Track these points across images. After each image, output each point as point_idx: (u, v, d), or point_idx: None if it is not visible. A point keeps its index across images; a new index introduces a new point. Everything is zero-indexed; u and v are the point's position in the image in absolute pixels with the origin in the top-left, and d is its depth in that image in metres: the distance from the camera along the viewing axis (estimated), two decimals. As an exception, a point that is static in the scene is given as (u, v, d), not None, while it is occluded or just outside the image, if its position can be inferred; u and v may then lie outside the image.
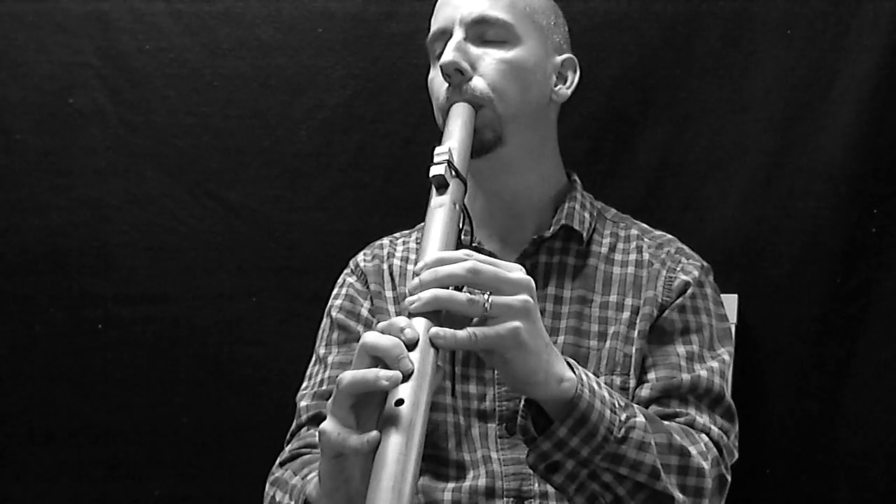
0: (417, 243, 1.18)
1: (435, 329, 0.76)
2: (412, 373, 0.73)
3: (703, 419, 1.00)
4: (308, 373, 1.17)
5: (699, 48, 1.41)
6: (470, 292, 0.81)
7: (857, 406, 1.34)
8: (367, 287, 1.17)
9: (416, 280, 0.80)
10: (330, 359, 1.13)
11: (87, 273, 1.55)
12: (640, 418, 0.90)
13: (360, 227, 1.50)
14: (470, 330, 0.77)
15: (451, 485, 1.04)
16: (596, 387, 0.88)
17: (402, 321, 0.76)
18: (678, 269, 1.09)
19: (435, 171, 0.91)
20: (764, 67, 1.38)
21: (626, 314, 1.06)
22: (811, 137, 1.35)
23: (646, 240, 1.13)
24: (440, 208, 0.89)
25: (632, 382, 1.04)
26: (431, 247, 0.84)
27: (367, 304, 1.16)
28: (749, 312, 1.33)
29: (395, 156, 1.50)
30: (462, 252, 0.81)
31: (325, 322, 1.19)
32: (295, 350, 1.52)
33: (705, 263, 1.12)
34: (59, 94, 1.54)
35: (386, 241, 1.23)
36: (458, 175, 0.93)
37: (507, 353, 0.80)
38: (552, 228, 1.09)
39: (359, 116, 1.51)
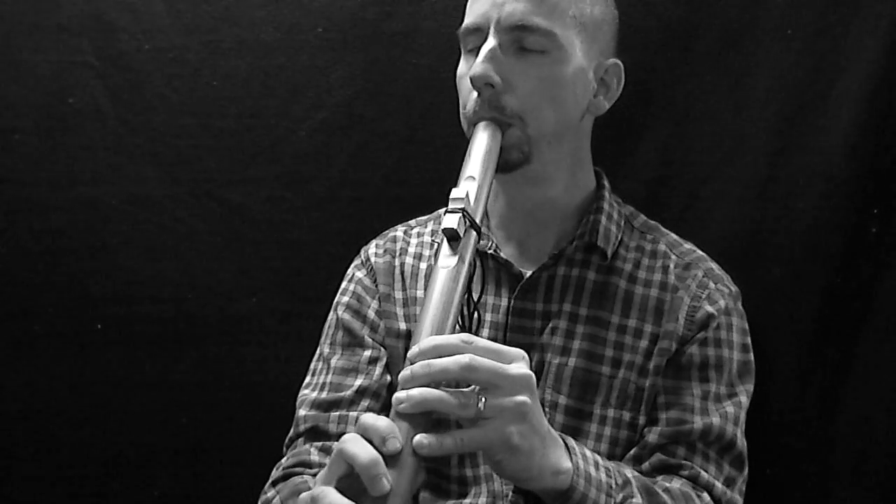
0: (432, 237, 1.15)
1: (418, 438, 0.73)
2: (387, 494, 0.70)
3: (707, 473, 0.97)
4: (311, 368, 1.14)
5: (699, 48, 1.40)
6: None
7: (857, 406, 1.34)
8: (376, 285, 1.13)
9: (409, 371, 0.76)
10: (333, 361, 1.11)
11: (87, 273, 1.55)
12: (637, 499, 0.86)
13: (360, 227, 1.50)
14: (457, 435, 0.75)
15: (451, 502, 1.03)
16: (593, 471, 0.84)
17: (384, 428, 0.72)
18: (704, 297, 1.03)
19: (448, 222, 0.86)
20: (764, 67, 1.37)
21: (643, 343, 1.02)
22: (811, 137, 1.35)
23: (673, 257, 1.07)
24: (445, 270, 0.84)
25: (641, 420, 1.01)
26: (430, 321, 0.80)
27: (374, 305, 1.13)
28: (749, 312, 1.33)
29: (395, 156, 1.50)
30: (460, 339, 0.77)
31: (332, 317, 1.15)
32: (295, 350, 1.52)
33: (734, 288, 1.07)
34: (59, 94, 1.54)
35: (400, 231, 1.18)
36: (472, 225, 0.87)
37: (496, 455, 0.78)
38: (574, 243, 1.04)
39: (359, 116, 1.51)
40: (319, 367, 1.13)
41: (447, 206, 0.88)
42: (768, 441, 1.35)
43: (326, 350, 1.14)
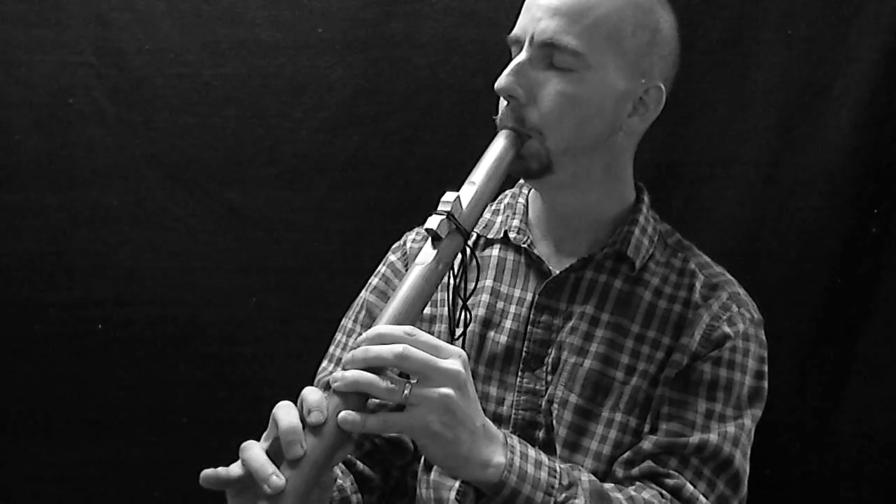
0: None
1: (343, 414, 0.79)
2: (300, 459, 0.77)
3: (693, 488, 0.97)
4: (334, 339, 1.17)
5: (699, 48, 1.41)
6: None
7: (857, 406, 1.34)
8: (407, 270, 1.16)
9: (350, 355, 0.82)
10: (352, 340, 1.13)
11: (87, 273, 1.55)
12: (579, 500, 0.89)
13: (360, 227, 1.50)
14: (382, 417, 0.81)
15: (457, 483, 1.04)
16: (531, 469, 0.88)
17: (312, 401, 0.79)
18: (724, 318, 1.04)
19: (430, 222, 0.90)
20: (764, 67, 1.38)
21: (659, 354, 1.03)
22: (811, 137, 1.35)
23: (701, 276, 1.08)
24: (419, 266, 0.89)
25: (647, 427, 1.02)
26: (389, 314, 0.86)
27: None
28: (749, 312, 1.33)
29: (395, 156, 1.50)
30: (403, 330, 0.82)
31: (361, 295, 1.19)
32: (295, 350, 1.52)
33: (757, 315, 1.07)
34: (59, 94, 1.54)
35: None
36: (458, 228, 0.91)
37: (420, 440, 0.83)
38: (604, 250, 1.06)
39: (359, 116, 1.51)
40: (339, 339, 1.17)
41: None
42: (768, 441, 1.36)
43: (349, 326, 1.17)
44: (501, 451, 0.86)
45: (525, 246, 1.09)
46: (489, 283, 1.10)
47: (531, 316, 1.07)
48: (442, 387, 0.81)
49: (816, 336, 1.35)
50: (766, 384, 1.06)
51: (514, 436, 0.91)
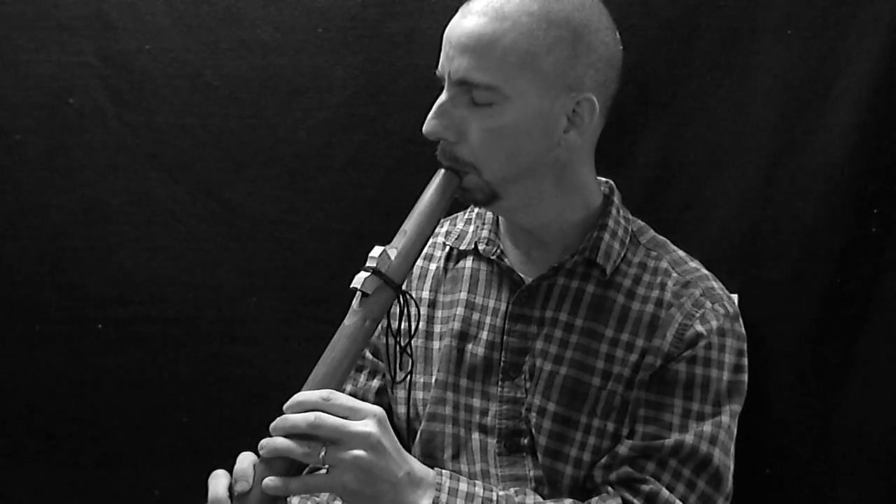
0: (445, 237, 1.17)
1: (266, 480, 0.86)
2: None
3: (672, 492, 0.97)
4: None
5: (699, 48, 1.40)
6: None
7: (857, 406, 1.34)
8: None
9: (273, 424, 0.88)
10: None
11: (87, 273, 1.56)
12: None
13: (360, 227, 1.50)
14: (304, 479, 0.88)
15: None
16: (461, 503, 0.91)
17: (238, 471, 0.88)
18: (697, 315, 1.02)
19: (356, 280, 0.94)
20: (764, 67, 1.37)
21: (633, 356, 1.02)
22: (811, 137, 1.35)
23: (674, 274, 1.06)
24: (346, 326, 0.94)
25: (624, 431, 1.02)
26: (315, 376, 0.92)
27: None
28: (749, 312, 1.33)
29: (395, 156, 1.50)
30: (320, 395, 0.88)
31: None
32: (295, 350, 1.52)
33: (732, 309, 1.06)
34: (59, 94, 1.54)
35: None
36: (388, 282, 0.94)
37: (342, 498, 0.90)
38: (574, 258, 1.05)
39: (359, 116, 1.51)
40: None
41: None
42: (768, 441, 1.36)
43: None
44: (427, 494, 0.90)
45: (495, 258, 1.09)
46: (464, 295, 1.10)
47: (506, 325, 1.07)
48: (353, 449, 0.85)
49: (816, 336, 1.35)
50: (745, 377, 1.05)
51: (445, 473, 0.93)
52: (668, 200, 1.42)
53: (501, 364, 1.06)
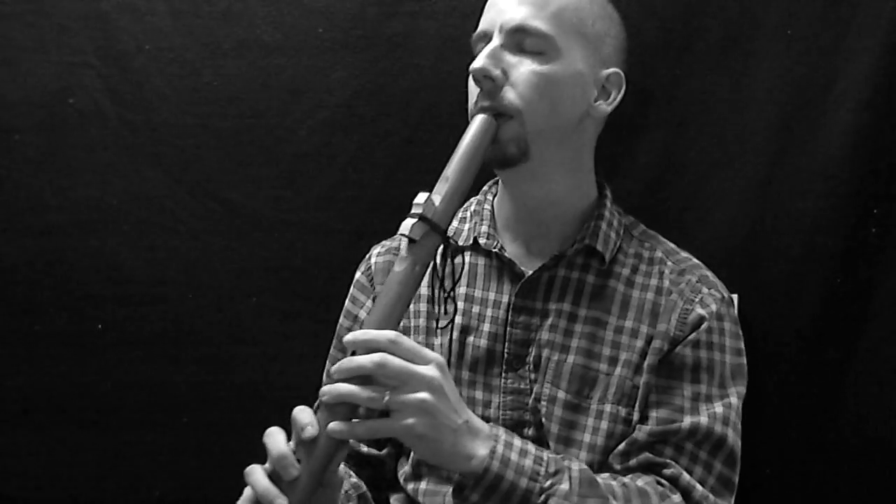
0: None
1: (332, 425, 0.85)
2: (296, 479, 0.85)
3: (690, 477, 0.99)
4: (326, 371, 1.20)
5: (699, 48, 1.40)
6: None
7: (857, 406, 1.34)
8: (373, 285, 1.17)
9: (336, 367, 0.88)
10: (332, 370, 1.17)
11: (87, 273, 1.55)
12: (565, 485, 0.91)
13: (360, 227, 1.50)
14: (368, 424, 0.87)
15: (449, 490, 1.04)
16: (515, 457, 0.91)
17: (301, 419, 0.86)
18: (696, 300, 1.06)
19: (403, 227, 0.94)
20: (764, 67, 1.37)
21: (639, 342, 1.05)
22: (811, 137, 1.35)
23: (669, 263, 1.11)
24: (395, 273, 0.93)
25: (636, 416, 1.04)
26: (373, 320, 0.91)
27: (368, 304, 1.17)
28: (749, 312, 1.33)
29: (395, 156, 1.50)
30: (387, 337, 0.87)
31: (340, 321, 1.22)
32: (295, 350, 1.52)
33: (726, 294, 1.10)
34: (59, 94, 1.54)
35: None
36: (434, 228, 0.94)
37: (405, 441, 0.90)
38: (574, 246, 1.08)
39: (359, 116, 1.51)
40: (328, 368, 1.20)
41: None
42: (768, 441, 1.36)
43: (333, 353, 1.22)
44: (485, 444, 0.90)
45: (496, 251, 1.11)
46: (463, 289, 1.12)
47: (509, 317, 1.09)
48: (419, 392, 0.85)
49: (816, 336, 1.35)
50: (745, 360, 1.09)
51: (501, 427, 0.94)
52: (668, 200, 1.42)
53: (505, 356, 1.08)
